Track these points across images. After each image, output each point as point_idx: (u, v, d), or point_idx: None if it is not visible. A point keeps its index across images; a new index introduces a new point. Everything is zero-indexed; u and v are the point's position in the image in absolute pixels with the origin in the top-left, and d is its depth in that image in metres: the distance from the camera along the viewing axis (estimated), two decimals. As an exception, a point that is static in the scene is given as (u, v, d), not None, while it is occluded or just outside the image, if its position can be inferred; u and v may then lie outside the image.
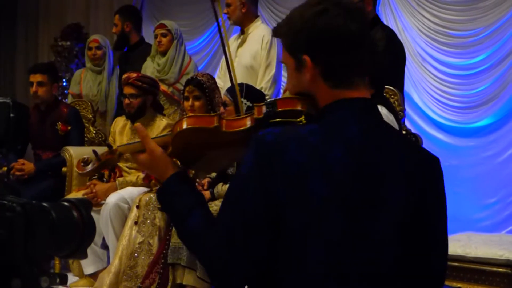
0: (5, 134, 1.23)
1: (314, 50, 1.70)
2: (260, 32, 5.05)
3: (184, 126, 1.85)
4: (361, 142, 1.67)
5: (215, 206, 4.16)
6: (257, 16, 5.29)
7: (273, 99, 1.82)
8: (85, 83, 6.28)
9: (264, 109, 1.79)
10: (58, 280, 1.26)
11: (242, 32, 5.29)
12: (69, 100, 6.46)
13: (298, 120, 1.75)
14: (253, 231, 1.62)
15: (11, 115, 1.28)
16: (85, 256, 1.31)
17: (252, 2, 5.23)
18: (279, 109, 1.77)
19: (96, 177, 4.96)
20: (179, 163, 1.93)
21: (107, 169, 4.70)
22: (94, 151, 1.98)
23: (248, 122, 1.82)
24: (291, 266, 1.63)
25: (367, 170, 1.65)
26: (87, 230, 1.25)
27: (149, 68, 5.72)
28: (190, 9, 8.06)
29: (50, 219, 1.16)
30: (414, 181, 1.71)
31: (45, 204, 1.18)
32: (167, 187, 1.82)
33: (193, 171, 4.56)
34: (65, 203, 1.23)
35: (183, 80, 5.16)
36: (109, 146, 1.99)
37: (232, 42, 5.36)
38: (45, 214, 1.15)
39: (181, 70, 5.62)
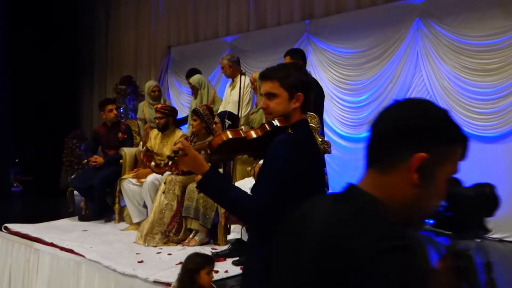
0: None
1: (303, 90, 1.84)
2: (242, 81, 5.06)
3: (226, 137, 1.81)
4: (315, 142, 1.92)
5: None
6: (240, 71, 5.30)
7: (275, 120, 1.84)
8: (147, 111, 5.90)
9: (269, 125, 1.84)
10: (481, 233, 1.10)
11: (233, 81, 5.25)
12: (139, 121, 6.12)
13: (289, 131, 1.83)
14: (284, 191, 1.69)
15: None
16: None
17: (236, 63, 5.19)
18: (281, 125, 1.83)
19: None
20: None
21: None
22: (168, 156, 1.78)
23: (260, 133, 1.85)
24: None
25: (319, 157, 1.92)
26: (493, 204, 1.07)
27: (193, 103, 5.50)
28: (199, 64, 7.74)
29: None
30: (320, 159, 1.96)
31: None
32: (209, 177, 1.74)
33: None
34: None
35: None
36: (170, 157, 1.77)
37: (228, 87, 5.38)
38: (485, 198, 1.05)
39: (209, 101, 5.32)
